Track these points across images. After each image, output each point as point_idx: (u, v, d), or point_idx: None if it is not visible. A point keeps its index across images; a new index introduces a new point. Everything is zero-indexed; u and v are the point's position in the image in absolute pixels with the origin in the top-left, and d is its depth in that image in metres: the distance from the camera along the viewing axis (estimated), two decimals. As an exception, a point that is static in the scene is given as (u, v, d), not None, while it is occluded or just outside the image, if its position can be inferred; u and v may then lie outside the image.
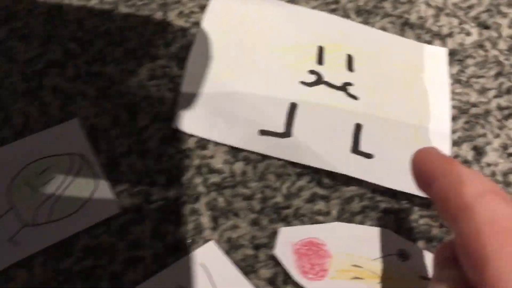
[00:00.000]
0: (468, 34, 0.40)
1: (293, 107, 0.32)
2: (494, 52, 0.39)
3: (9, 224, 0.27)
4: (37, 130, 0.30)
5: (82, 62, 0.33)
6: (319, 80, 0.34)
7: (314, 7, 0.38)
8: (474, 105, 0.36)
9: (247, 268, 0.28)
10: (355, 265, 0.28)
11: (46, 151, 0.29)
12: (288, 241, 0.28)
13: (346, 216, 0.30)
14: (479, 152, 0.34)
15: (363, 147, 0.32)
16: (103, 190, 0.29)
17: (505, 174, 0.33)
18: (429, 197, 0.23)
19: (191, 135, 0.31)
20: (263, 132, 0.31)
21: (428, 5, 0.41)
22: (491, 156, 0.34)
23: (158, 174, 0.30)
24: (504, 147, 0.34)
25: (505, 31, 0.40)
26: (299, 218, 0.30)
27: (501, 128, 0.35)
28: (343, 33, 0.37)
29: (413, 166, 0.24)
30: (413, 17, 0.40)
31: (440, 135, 0.33)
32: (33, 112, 0.31)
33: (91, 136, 0.30)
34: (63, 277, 0.26)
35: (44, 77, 0.32)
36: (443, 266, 0.22)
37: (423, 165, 0.23)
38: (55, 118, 0.31)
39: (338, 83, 0.34)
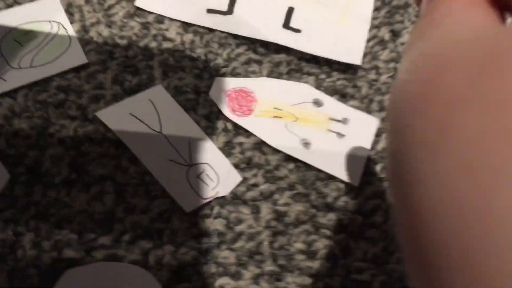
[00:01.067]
0: None
1: (236, -8, 0.39)
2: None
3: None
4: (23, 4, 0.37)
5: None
6: (261, -28, 0.40)
7: None
8: (397, -1, 0.42)
9: (188, 107, 0.34)
10: (276, 108, 0.35)
11: (32, 17, 0.36)
12: (222, 88, 0.35)
13: (274, 75, 0.37)
14: (395, 34, 0.40)
15: (293, 24, 0.38)
16: (74, 47, 0.35)
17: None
18: None
19: (150, 12, 0.38)
20: (210, 10, 0.38)
21: None
22: (406, 37, 0.40)
23: (120, 39, 0.36)
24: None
25: None
26: (235, 75, 0.36)
27: (417, 16, 0.41)
28: None
29: None
30: None
31: (361, 19, 0.39)
32: (21, -10, 0.38)
33: (68, 11, 0.37)
34: (39, 105, 0.33)
35: (31, -34, 0.39)
36: None
37: None
38: (39, -4, 0.38)
39: (278, -24, 0.41)
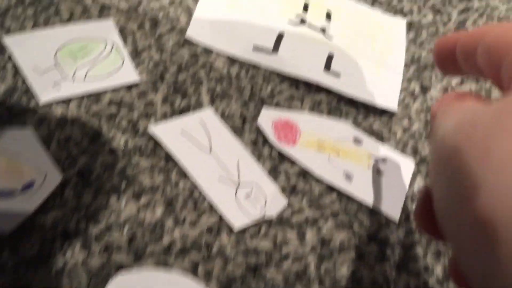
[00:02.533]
0: (424, 15, 0.49)
1: (281, 34, 0.41)
2: (444, 29, 0.49)
3: (54, 76, 0.34)
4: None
5: (117, -13, 0.42)
6: (303, 22, 0.43)
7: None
8: (425, 58, 0.45)
9: (235, 133, 0.35)
10: (319, 139, 0.36)
11: (88, 35, 0.37)
12: (269, 117, 0.36)
13: (315, 113, 0.38)
14: (424, 88, 0.42)
15: (333, 68, 0.40)
16: (127, 66, 0.36)
17: (443, 106, 0.42)
18: (447, 69, 0.25)
19: (199, 44, 0.40)
20: (256, 48, 0.40)
21: (395, -9, 0.51)
22: (433, 92, 0.42)
23: (171, 63, 0.38)
24: (445, 90, 0.43)
25: (454, 17, 0.50)
26: (279, 108, 0.38)
27: (442, 75, 0.44)
28: (325, -3, 0.47)
29: (436, 45, 0.25)
30: (381, -3, 0.50)
31: (394, 71, 0.42)
32: (77, 10, 0.39)
33: (121, 35, 0.38)
34: (92, 115, 0.33)
35: (87, -9, 0.41)
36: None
37: (447, 39, 0.25)
38: (93, 17, 0.39)
39: (318, 25, 0.43)
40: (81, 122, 0.33)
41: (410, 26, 0.48)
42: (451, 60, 0.24)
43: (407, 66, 0.44)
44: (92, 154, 0.31)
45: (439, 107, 0.22)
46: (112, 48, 0.37)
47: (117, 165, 0.31)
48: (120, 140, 0.33)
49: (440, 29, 0.48)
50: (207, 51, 0.39)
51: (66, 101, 0.34)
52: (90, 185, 0.30)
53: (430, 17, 0.49)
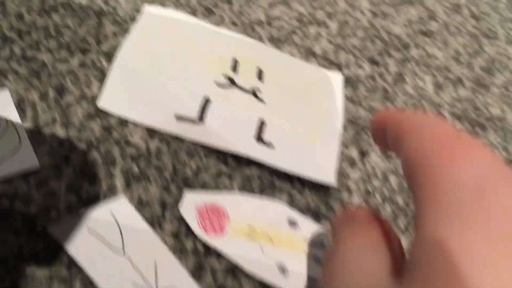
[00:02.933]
0: (361, 67, 0.47)
1: (206, 99, 0.37)
2: (382, 83, 0.46)
3: None
4: (-32, 93, 0.33)
5: (18, 48, 0.37)
6: (232, 83, 0.39)
7: (234, 31, 0.45)
8: (363, 119, 0.42)
9: (154, 223, 0.31)
10: (250, 227, 0.32)
11: (-25, 111, 0.32)
12: (192, 203, 0.32)
13: (246, 190, 0.34)
14: (363, 153, 0.39)
15: (265, 138, 0.37)
16: (25, 148, 0.31)
17: (383, 172, 0.39)
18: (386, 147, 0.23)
19: (113, 115, 0.35)
20: (179, 118, 0.36)
21: (330, 42, 0.48)
22: (373, 157, 0.39)
23: (78, 142, 0.33)
24: (385, 153, 0.40)
25: (392, 68, 0.48)
26: (205, 188, 0.33)
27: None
28: (256, 51, 0.43)
29: (372, 121, 0.23)
30: (317, 49, 0.47)
31: (331, 135, 0.39)
32: (-33, 80, 0.33)
33: (19, 107, 0.33)
34: (-23, 215, 0.28)
35: (-20, 55, 0.35)
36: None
37: (378, 118, 0.23)
38: (-14, 88, 0.34)
39: (249, 88, 0.40)
40: (-38, 226, 0.27)
41: (347, 80, 0.45)
42: (385, 141, 0.22)
43: (344, 128, 0.41)
44: (-26, 268, 0.26)
45: (338, 226, 0.21)
46: (6, 125, 0.32)
47: (6, 280, 0.26)
48: (13, 245, 0.27)
49: (379, 83, 0.46)
50: (123, 123, 0.35)
51: None
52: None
53: (367, 69, 0.47)
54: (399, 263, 0.17)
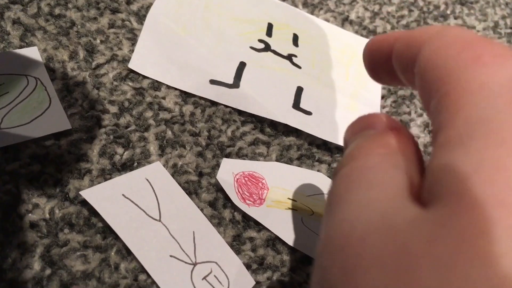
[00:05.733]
0: (398, 36, 0.45)
1: (242, 64, 0.35)
2: (420, 52, 0.44)
3: (-42, 125, 0.27)
4: (-5, 51, 0.31)
5: (44, 4, 0.35)
6: (267, 48, 0.37)
7: (266, -7, 0.42)
8: (402, 88, 0.40)
9: (190, 191, 0.29)
10: (290, 198, 0.30)
11: (3, 69, 0.30)
12: (230, 171, 0.30)
13: (284, 160, 0.32)
14: (403, 124, 0.37)
15: (303, 105, 0.35)
16: (55, 109, 0.29)
17: (425, 145, 0.37)
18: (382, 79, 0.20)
19: (145, 77, 0.33)
20: (213, 82, 0.34)
21: (366, 8, 0.46)
22: (414, 130, 0.37)
23: (110, 104, 0.31)
24: (426, 125, 0.38)
25: (430, 38, 0.45)
26: (241, 156, 0.32)
27: (423, 109, 0.39)
28: (291, 16, 0.41)
29: (367, 48, 0.20)
30: (352, 15, 0.44)
31: (370, 105, 0.37)
32: (-7, 36, 0.32)
33: (49, 67, 0.31)
34: (8, 177, 0.26)
35: (6, 11, 0.33)
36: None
37: (379, 40, 0.19)
38: (13, 46, 0.32)
39: (284, 53, 0.38)
40: (-8, 188, 0.26)
41: (384, 49, 0.43)
42: (387, 69, 0.19)
43: (383, 98, 0.39)
44: (4, 233, 0.25)
45: (351, 136, 0.18)
46: (36, 85, 0.30)
47: (39, 245, 0.25)
48: (44, 209, 0.26)
49: (417, 53, 0.43)
50: (155, 85, 0.33)
51: (-26, 159, 0.26)
52: (1, 277, 0.23)
53: (405, 38, 0.44)
54: (419, 181, 0.15)
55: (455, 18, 0.48)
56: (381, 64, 0.19)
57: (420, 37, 0.16)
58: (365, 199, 0.14)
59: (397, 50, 0.18)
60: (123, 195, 0.27)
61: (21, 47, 0.32)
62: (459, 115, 0.13)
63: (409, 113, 0.38)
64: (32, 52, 0.31)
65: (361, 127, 0.18)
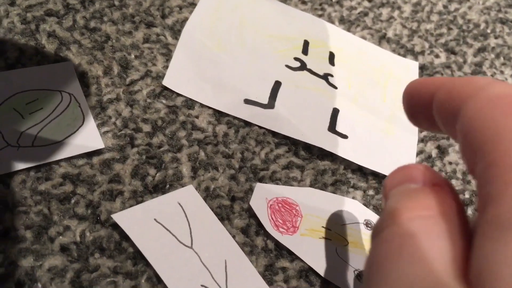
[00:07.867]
0: (437, 56, 0.43)
1: (277, 84, 0.34)
2: (459, 74, 0.42)
3: (-8, 141, 0.27)
4: (29, 66, 0.30)
5: (80, 17, 0.34)
6: (303, 67, 0.36)
7: (302, 10, 0.41)
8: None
9: (222, 216, 0.28)
10: (324, 227, 0.29)
11: (38, 84, 0.30)
12: (263, 196, 0.29)
13: (318, 185, 0.32)
14: (442, 151, 0.36)
15: (339, 128, 0.34)
16: (89, 127, 0.29)
17: (464, 173, 0.36)
18: (424, 125, 0.20)
19: (179, 94, 0.32)
20: (248, 101, 0.33)
21: (404, 26, 0.44)
22: (452, 156, 0.36)
23: (143, 123, 0.31)
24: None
25: (470, 59, 0.44)
26: (275, 181, 0.31)
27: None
28: (327, 34, 0.40)
29: (407, 92, 0.20)
30: (390, 33, 0.43)
31: (408, 129, 0.36)
32: (28, 49, 0.31)
33: (82, 82, 0.31)
34: (39, 197, 0.26)
35: (42, 23, 0.33)
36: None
37: (420, 86, 0.19)
38: (48, 59, 0.31)
39: (320, 72, 0.37)
40: (24, 209, 0.25)
41: (422, 69, 0.41)
42: (427, 116, 0.18)
43: (421, 121, 0.37)
44: (36, 255, 0.24)
45: (391, 189, 0.17)
46: (70, 101, 0.30)
47: (69, 270, 0.24)
48: (75, 232, 0.25)
49: (456, 73, 0.42)
50: (189, 104, 0.32)
51: (7, 177, 0.26)
52: (32, 302, 0.23)
53: (443, 57, 0.43)
54: (464, 250, 0.14)
55: (496, 37, 0.47)
56: (421, 111, 0.18)
57: (463, 90, 0.16)
58: (406, 277, 0.13)
59: (438, 100, 0.17)
60: (155, 219, 0.26)
61: (55, 61, 0.31)
62: (508, 192, 0.12)
63: (448, 138, 0.37)
64: (67, 67, 0.31)
65: (400, 180, 0.17)
